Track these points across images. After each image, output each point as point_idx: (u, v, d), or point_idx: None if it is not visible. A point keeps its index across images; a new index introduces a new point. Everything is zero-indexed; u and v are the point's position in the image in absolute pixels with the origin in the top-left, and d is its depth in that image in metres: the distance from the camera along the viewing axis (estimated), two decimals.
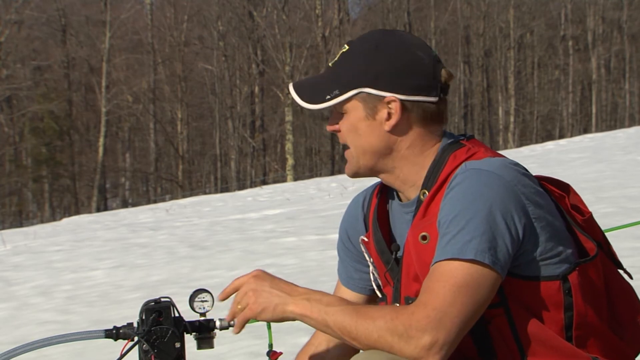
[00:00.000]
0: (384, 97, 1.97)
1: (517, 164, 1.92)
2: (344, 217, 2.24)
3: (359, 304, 1.99)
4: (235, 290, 1.92)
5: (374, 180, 2.14)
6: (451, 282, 1.78)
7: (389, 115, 1.98)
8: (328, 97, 1.98)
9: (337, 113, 2.02)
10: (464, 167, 1.90)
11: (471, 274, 1.79)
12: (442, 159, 1.97)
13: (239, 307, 1.91)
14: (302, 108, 2.11)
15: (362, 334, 1.79)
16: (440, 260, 1.82)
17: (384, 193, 2.13)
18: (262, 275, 1.92)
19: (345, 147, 2.04)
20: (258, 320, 1.92)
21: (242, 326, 1.92)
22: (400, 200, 2.06)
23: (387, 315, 1.78)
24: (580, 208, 2.01)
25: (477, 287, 1.79)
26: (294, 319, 1.89)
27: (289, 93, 2.21)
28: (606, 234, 2.07)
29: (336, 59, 2.03)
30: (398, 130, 1.99)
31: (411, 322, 1.75)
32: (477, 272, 1.79)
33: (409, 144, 2.00)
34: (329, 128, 2.05)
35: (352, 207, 2.22)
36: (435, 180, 1.96)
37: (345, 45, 2.03)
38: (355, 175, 2.06)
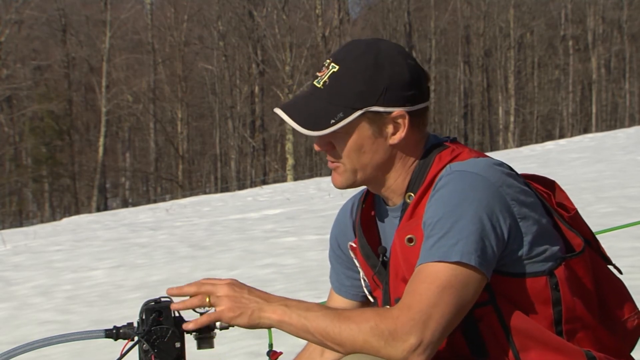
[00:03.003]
0: (392, 112, 1.94)
1: (502, 164, 1.93)
2: (334, 224, 2.24)
3: (342, 309, 1.95)
4: (199, 289, 1.88)
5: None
6: (436, 284, 1.78)
7: (395, 129, 1.96)
8: (333, 121, 1.91)
9: (330, 133, 1.95)
10: (449, 169, 1.90)
11: (456, 276, 1.79)
12: (427, 161, 1.97)
13: (204, 306, 1.87)
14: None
15: (347, 340, 1.79)
16: (426, 263, 1.82)
17: (371, 198, 2.12)
18: (238, 283, 1.88)
19: (335, 161, 1.99)
20: (230, 326, 1.88)
21: (199, 326, 1.88)
22: (388, 204, 2.06)
23: (371, 319, 1.78)
24: (565, 205, 2.01)
25: (462, 288, 1.80)
26: (270, 326, 1.86)
27: (280, 118, 2.05)
28: (606, 233, 2.07)
29: (325, 79, 1.94)
30: (401, 142, 1.97)
31: (397, 325, 1.76)
32: (462, 273, 1.80)
33: (406, 152, 1.99)
34: (321, 149, 1.98)
35: (341, 215, 2.22)
36: (421, 183, 1.96)
37: (334, 65, 1.95)
38: (346, 187, 2.02)
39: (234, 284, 1.87)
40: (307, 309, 1.82)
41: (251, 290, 1.87)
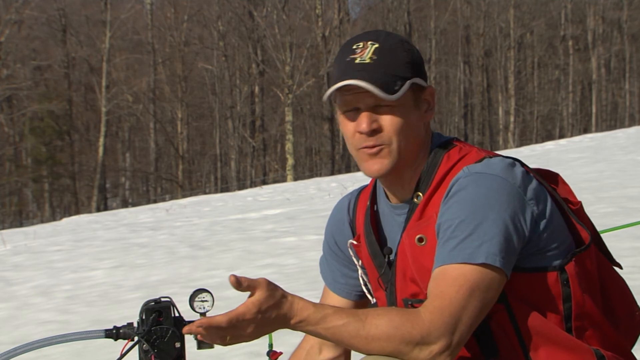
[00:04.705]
0: (426, 87, 1.97)
1: (513, 163, 1.93)
2: (329, 221, 2.22)
3: (352, 310, 1.90)
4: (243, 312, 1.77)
5: (364, 181, 2.13)
6: (465, 287, 1.79)
7: (428, 106, 1.98)
8: (396, 87, 1.90)
9: (371, 109, 1.92)
10: (467, 171, 1.89)
11: (482, 278, 1.80)
12: (435, 160, 1.97)
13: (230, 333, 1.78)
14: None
15: (374, 350, 1.78)
16: (449, 264, 1.82)
17: (373, 195, 2.11)
18: (266, 309, 1.77)
19: (380, 142, 1.94)
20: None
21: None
22: (389, 201, 2.05)
23: (401, 327, 1.76)
24: (569, 199, 2.02)
25: (487, 289, 1.81)
26: None
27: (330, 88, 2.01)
28: (606, 233, 2.07)
29: (370, 55, 1.92)
30: (428, 122, 2.00)
31: (430, 330, 1.76)
32: (488, 275, 1.81)
33: (426, 137, 2.02)
34: (372, 127, 1.92)
35: (338, 212, 2.20)
36: (429, 182, 1.95)
37: (373, 42, 1.94)
38: (388, 172, 1.96)
39: (262, 308, 1.76)
40: (328, 323, 1.78)
41: (273, 313, 1.78)
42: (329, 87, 1.97)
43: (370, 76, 1.89)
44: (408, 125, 1.94)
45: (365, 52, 1.93)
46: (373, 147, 1.94)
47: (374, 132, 1.93)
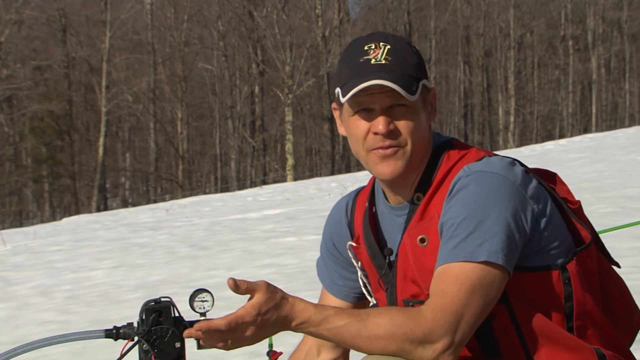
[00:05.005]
0: (430, 89, 1.98)
1: (513, 162, 1.93)
2: (327, 223, 2.22)
3: (353, 310, 1.88)
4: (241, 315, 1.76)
5: (364, 181, 2.13)
6: (467, 285, 1.79)
7: (432, 107, 1.99)
8: (414, 88, 1.91)
9: (385, 110, 1.91)
10: (468, 170, 1.90)
11: (484, 276, 1.80)
12: (435, 160, 1.98)
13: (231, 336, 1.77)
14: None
15: (377, 349, 1.78)
16: (450, 263, 1.82)
17: (372, 196, 2.11)
18: (266, 311, 1.76)
19: (396, 144, 1.93)
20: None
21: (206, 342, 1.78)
22: (388, 202, 2.05)
23: (403, 325, 1.76)
24: (568, 199, 2.02)
25: (489, 287, 1.81)
26: None
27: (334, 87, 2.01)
28: (606, 233, 2.07)
29: (385, 56, 1.92)
30: (430, 124, 2.01)
31: (432, 329, 1.76)
32: (489, 273, 1.81)
33: (429, 139, 2.01)
34: (389, 128, 1.92)
35: (336, 213, 2.19)
36: (430, 183, 1.95)
37: (384, 44, 1.93)
38: (399, 174, 1.95)
39: (261, 311, 1.75)
40: (330, 323, 1.77)
41: (273, 315, 1.76)
42: (336, 86, 1.97)
43: (391, 77, 1.89)
44: (420, 126, 1.94)
45: (379, 53, 1.92)
46: (388, 148, 1.93)
47: (391, 133, 1.92)
